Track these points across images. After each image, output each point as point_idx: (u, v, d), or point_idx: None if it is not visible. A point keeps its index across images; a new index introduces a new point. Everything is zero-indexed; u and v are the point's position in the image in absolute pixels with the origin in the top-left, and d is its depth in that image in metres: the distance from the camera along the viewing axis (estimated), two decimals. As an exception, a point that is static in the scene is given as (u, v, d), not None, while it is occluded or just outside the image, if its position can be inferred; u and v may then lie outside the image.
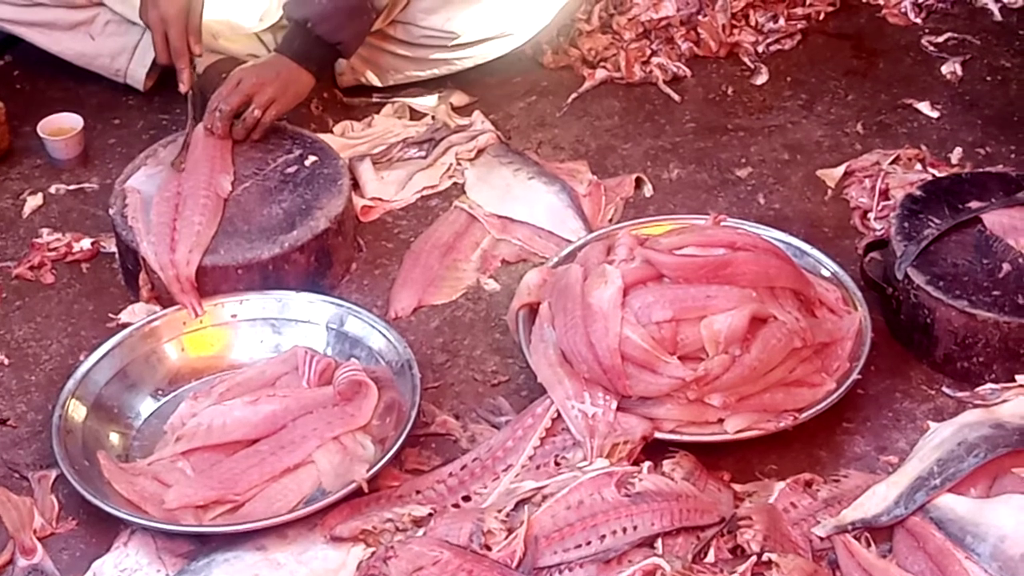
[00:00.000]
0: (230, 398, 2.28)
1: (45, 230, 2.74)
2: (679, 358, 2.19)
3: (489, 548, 1.98)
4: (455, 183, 2.84)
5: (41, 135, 2.90)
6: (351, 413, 2.23)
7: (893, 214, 2.52)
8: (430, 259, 2.65)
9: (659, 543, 1.98)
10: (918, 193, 2.54)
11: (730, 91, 3.14)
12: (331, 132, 2.96)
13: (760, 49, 3.24)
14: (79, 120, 2.93)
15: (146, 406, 2.35)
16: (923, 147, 2.88)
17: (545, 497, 2.05)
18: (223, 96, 2.65)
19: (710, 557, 1.99)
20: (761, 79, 3.16)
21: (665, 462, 2.14)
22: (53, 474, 2.23)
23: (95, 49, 3.06)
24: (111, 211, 2.57)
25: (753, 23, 3.28)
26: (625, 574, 1.89)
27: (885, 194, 2.73)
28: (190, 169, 2.59)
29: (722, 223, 2.46)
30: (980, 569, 1.94)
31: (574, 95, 3.11)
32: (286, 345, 2.41)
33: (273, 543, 2.08)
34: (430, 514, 2.10)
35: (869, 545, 2.03)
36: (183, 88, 2.70)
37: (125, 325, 2.46)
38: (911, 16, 3.33)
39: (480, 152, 2.89)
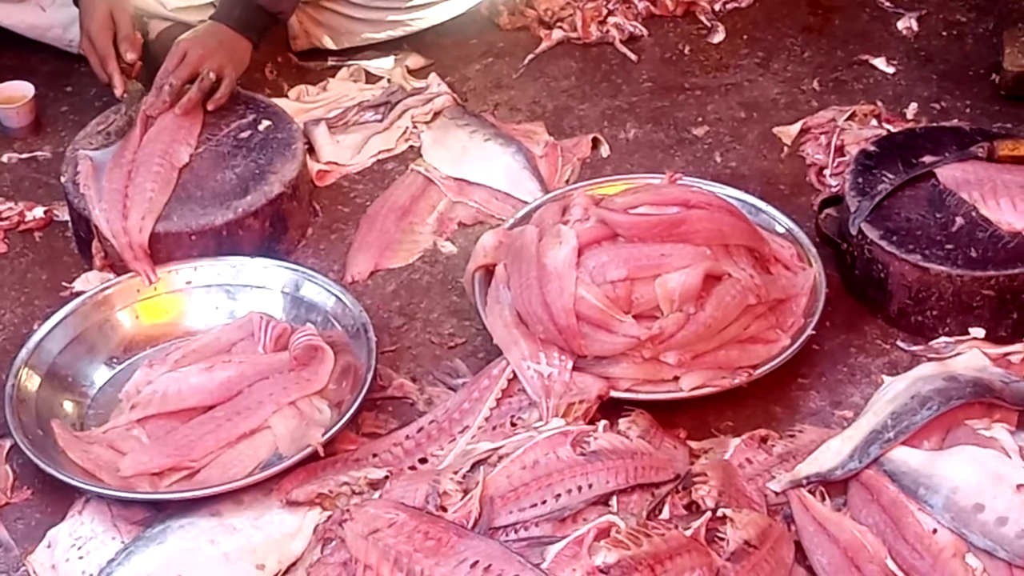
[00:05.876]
0: (185, 365, 2.27)
1: (-3, 199, 2.72)
2: (634, 317, 2.19)
3: (445, 509, 1.98)
4: (411, 146, 2.83)
5: (-8, 103, 2.88)
6: (307, 378, 2.23)
7: (847, 170, 2.52)
8: (386, 223, 2.64)
9: (614, 501, 1.99)
10: (872, 149, 2.54)
11: (687, 50, 3.13)
12: (286, 96, 2.93)
13: (717, 7, 3.22)
14: (31, 88, 2.90)
15: (100, 374, 2.34)
16: (879, 103, 2.88)
17: (501, 458, 2.05)
18: (169, 71, 2.60)
19: (665, 514, 1.99)
20: (718, 37, 3.15)
21: (621, 420, 2.14)
22: (7, 444, 2.21)
23: (46, 21, 3.02)
24: (63, 179, 2.55)
25: (710, -19, 3.27)
26: (580, 532, 1.88)
27: (841, 150, 2.73)
28: (150, 138, 2.55)
29: (678, 182, 2.46)
30: (933, 520, 1.95)
31: (530, 56, 3.10)
32: (241, 311, 2.40)
33: (229, 509, 2.07)
34: (386, 477, 2.10)
35: (824, 499, 2.05)
36: (118, 92, 2.62)
37: (78, 293, 2.44)
38: (867, -29, 3.33)
39: (436, 115, 2.87)
